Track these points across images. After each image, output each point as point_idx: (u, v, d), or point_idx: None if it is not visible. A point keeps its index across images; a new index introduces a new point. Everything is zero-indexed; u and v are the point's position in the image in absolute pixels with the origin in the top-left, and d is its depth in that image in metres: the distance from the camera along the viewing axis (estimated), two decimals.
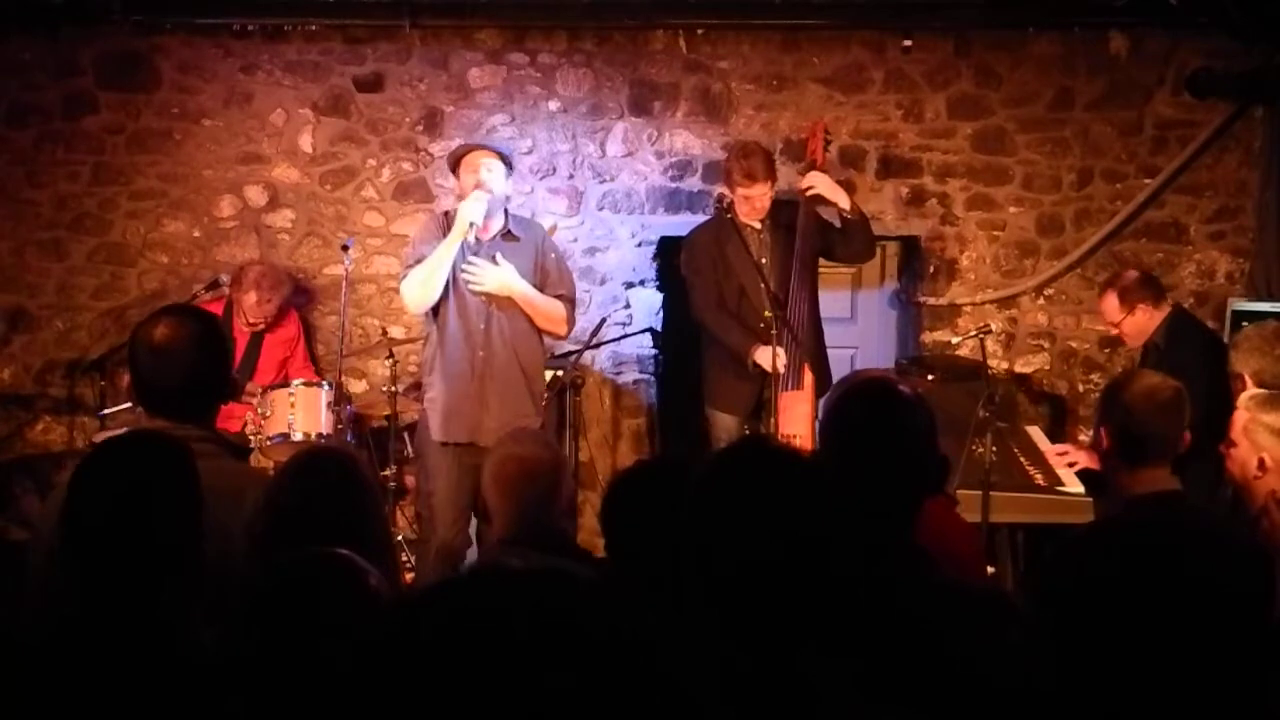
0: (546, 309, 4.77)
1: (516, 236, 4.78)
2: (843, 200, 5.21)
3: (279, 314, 5.78)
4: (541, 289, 4.77)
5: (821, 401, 5.36)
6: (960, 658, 1.66)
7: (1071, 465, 4.87)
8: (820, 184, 5.20)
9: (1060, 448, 5.12)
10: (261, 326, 5.70)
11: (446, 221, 4.74)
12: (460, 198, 4.76)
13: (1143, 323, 5.09)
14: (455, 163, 4.83)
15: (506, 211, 4.84)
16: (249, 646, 1.68)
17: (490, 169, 4.70)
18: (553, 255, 4.89)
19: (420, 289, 4.65)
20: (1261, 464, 3.06)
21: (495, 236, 4.76)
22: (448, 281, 4.64)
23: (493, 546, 2.83)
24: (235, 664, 1.68)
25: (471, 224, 4.58)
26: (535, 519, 2.76)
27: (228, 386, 2.78)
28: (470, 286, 4.64)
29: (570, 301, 4.89)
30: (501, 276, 4.65)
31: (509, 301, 4.70)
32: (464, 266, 4.63)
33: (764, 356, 5.01)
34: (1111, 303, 5.13)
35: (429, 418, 4.80)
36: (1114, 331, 5.25)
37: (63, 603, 2.04)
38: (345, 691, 1.52)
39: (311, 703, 1.62)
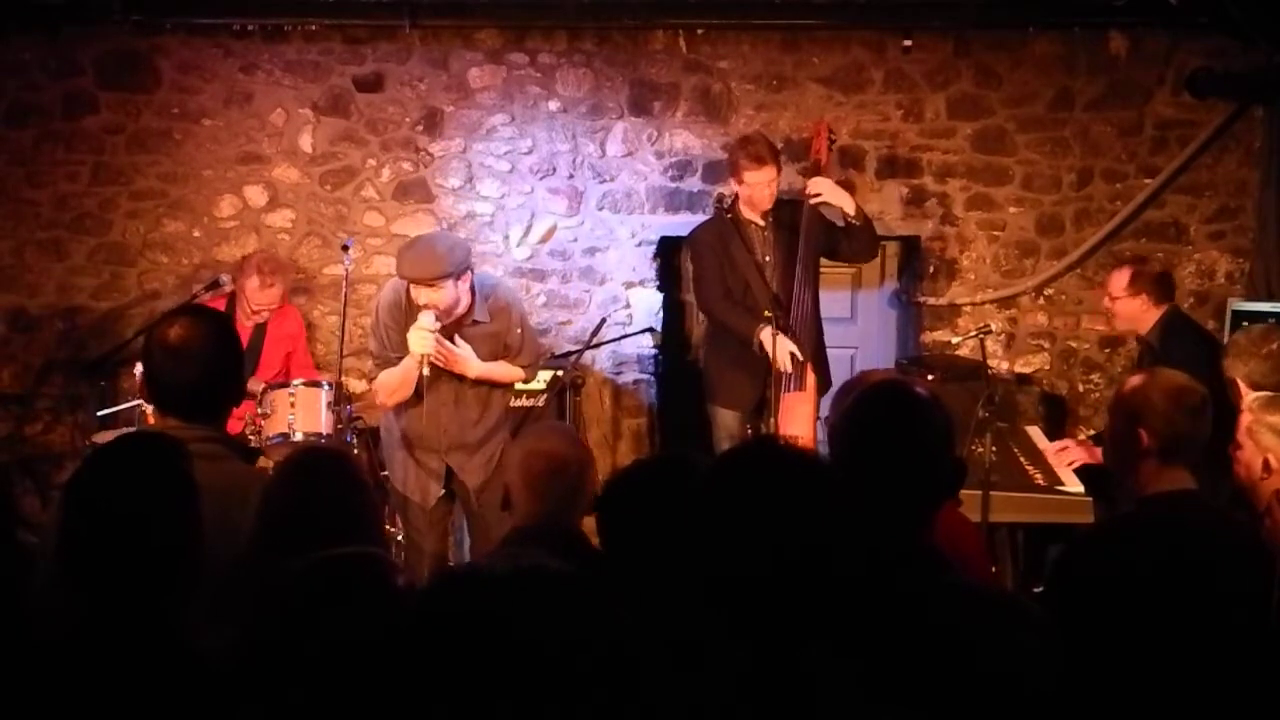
0: (505, 378, 4.71)
1: (481, 323, 4.61)
2: (848, 205, 5.21)
3: (281, 303, 5.78)
4: (505, 358, 4.67)
5: (827, 402, 5.39)
6: (972, 659, 1.66)
7: (1070, 463, 4.88)
8: (825, 190, 5.19)
9: (1059, 444, 5.12)
10: (266, 314, 5.69)
11: (408, 307, 4.50)
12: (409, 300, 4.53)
13: (1136, 311, 5.07)
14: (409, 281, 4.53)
15: (474, 291, 4.58)
16: (275, 646, 1.68)
17: (436, 289, 4.39)
18: (518, 331, 4.68)
19: (393, 397, 4.60)
20: (1266, 465, 3.08)
21: (458, 321, 4.56)
22: None
23: (508, 537, 2.83)
24: (257, 663, 1.68)
25: (424, 355, 4.40)
26: (556, 516, 2.76)
27: (240, 389, 2.78)
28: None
29: (532, 366, 4.83)
30: (460, 359, 4.51)
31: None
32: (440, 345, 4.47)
33: (768, 337, 4.99)
34: (1122, 278, 5.08)
35: (392, 467, 4.74)
36: (1106, 304, 5.23)
37: (66, 606, 2.04)
38: (359, 692, 1.53)
39: (337, 702, 1.62)
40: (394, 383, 4.54)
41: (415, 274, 4.41)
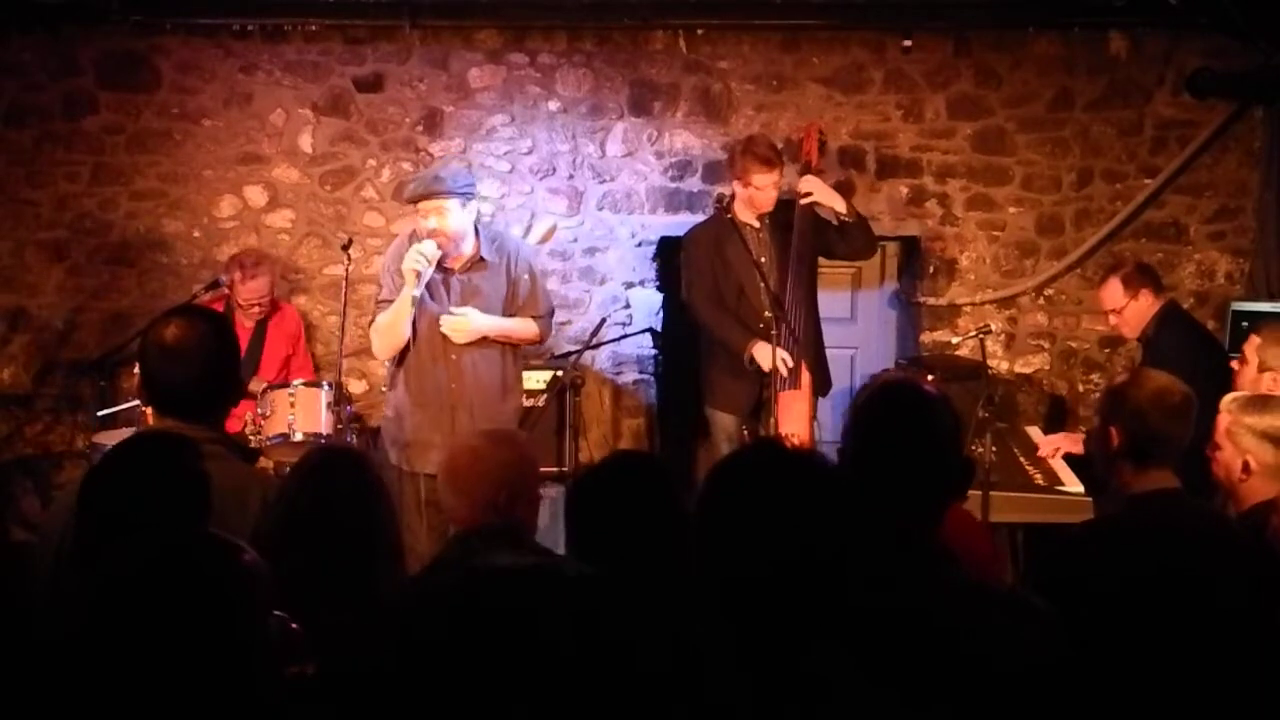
0: (521, 334, 4.70)
1: (487, 262, 4.64)
2: (838, 204, 5.20)
3: (273, 298, 5.78)
4: (514, 308, 4.69)
5: (825, 403, 5.40)
6: (978, 656, 1.66)
7: (1055, 451, 4.91)
8: (815, 190, 5.19)
9: (1051, 440, 5.14)
10: (258, 309, 5.67)
11: (410, 245, 4.58)
12: (416, 235, 4.60)
13: (1144, 309, 5.06)
14: (414, 202, 4.63)
15: (478, 231, 4.67)
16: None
17: (441, 212, 4.48)
18: (525, 276, 4.73)
19: (385, 339, 4.61)
20: (1246, 467, 3.03)
21: (466, 264, 4.63)
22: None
23: (452, 539, 2.82)
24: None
25: (418, 272, 4.41)
26: (488, 513, 2.72)
27: (237, 388, 2.78)
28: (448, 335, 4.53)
29: (545, 317, 4.81)
30: (474, 327, 4.54)
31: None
32: (443, 320, 4.54)
33: (760, 353, 5.01)
34: (1115, 289, 5.09)
35: (391, 445, 4.70)
36: (1113, 320, 5.21)
37: (69, 603, 2.04)
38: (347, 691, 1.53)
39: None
40: (386, 320, 4.55)
41: (419, 191, 4.50)
